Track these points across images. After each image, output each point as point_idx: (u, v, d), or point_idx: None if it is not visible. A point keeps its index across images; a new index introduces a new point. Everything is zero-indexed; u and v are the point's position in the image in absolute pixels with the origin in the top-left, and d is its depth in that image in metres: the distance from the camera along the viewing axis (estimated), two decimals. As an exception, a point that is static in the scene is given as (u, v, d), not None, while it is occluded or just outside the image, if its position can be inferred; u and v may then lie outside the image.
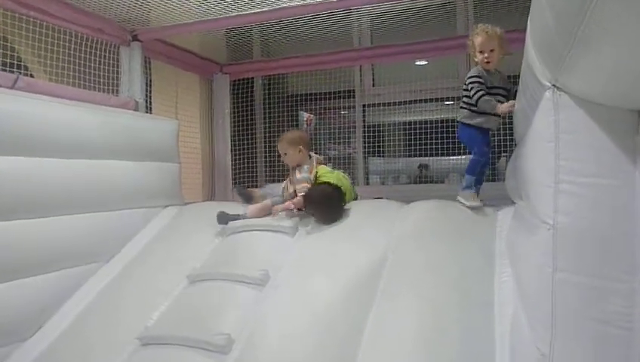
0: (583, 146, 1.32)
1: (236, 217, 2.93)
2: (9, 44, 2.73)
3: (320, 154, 4.91)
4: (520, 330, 1.68)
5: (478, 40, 2.71)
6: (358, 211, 2.81)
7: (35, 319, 2.48)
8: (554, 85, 1.35)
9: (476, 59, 2.74)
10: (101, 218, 2.86)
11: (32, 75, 3.00)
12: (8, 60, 2.69)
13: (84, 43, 3.13)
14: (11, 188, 2.37)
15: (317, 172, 2.97)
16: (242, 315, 2.27)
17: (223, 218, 2.93)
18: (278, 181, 4.67)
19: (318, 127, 5.16)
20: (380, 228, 2.61)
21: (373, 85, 4.63)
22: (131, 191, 3.11)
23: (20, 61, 2.91)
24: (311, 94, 4.73)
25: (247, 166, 4.74)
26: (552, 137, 1.37)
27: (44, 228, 2.53)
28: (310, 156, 3.06)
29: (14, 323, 2.37)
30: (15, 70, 2.69)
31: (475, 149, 2.74)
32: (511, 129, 2.76)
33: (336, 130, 4.89)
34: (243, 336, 2.14)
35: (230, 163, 4.66)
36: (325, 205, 2.77)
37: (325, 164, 3.13)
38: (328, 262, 2.45)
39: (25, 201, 2.44)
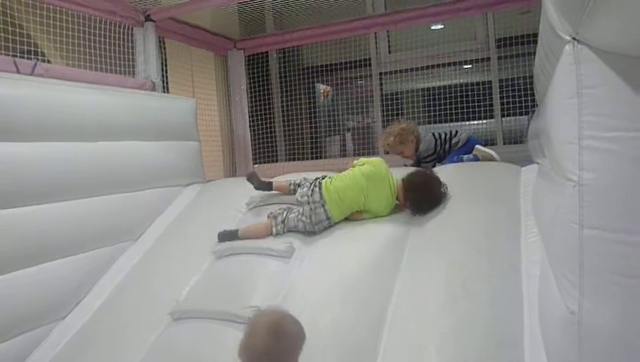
0: (606, 100, 1.28)
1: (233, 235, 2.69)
2: (25, 31, 2.75)
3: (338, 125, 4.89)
4: (548, 290, 1.67)
5: None
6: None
7: (72, 298, 2.57)
8: (574, 38, 1.31)
9: None
10: (126, 198, 2.92)
11: (49, 61, 3.03)
12: (25, 47, 2.71)
13: (98, 26, 3.13)
14: (38, 173, 2.42)
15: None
16: (270, 287, 2.31)
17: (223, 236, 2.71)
18: (299, 157, 4.67)
19: (335, 98, 5.13)
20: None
21: (390, 52, 4.56)
22: (154, 171, 3.16)
23: (37, 47, 2.94)
24: (326, 65, 4.68)
25: (267, 141, 4.75)
26: (574, 93, 1.34)
27: (72, 210, 2.59)
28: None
29: (52, 303, 2.47)
30: (32, 57, 2.72)
31: None
32: (532, 90, 2.72)
33: (354, 101, 4.85)
34: (271, 308, 2.18)
35: (250, 139, 4.67)
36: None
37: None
38: (353, 229, 2.46)
39: (52, 185, 2.50)
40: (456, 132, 3.27)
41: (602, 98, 1.30)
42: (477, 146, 3.08)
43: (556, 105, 1.56)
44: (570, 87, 1.35)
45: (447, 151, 3.23)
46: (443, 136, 3.24)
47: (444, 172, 2.77)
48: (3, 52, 2.59)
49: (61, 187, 2.53)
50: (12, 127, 2.32)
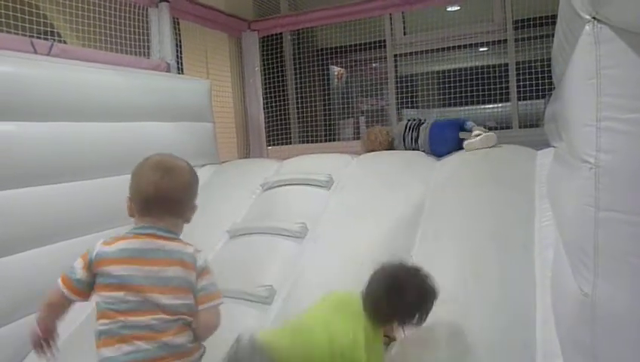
0: (625, 81, 1.26)
1: None
2: (41, 12, 2.77)
3: (352, 108, 4.84)
4: (561, 272, 1.67)
5: None
6: (394, 160, 2.80)
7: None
8: (594, 18, 1.29)
9: None
10: (142, 179, 2.93)
11: (65, 42, 3.05)
12: (42, 28, 2.73)
13: (113, 7, 3.14)
14: (53, 153, 2.45)
15: None
16: (283, 267, 2.33)
17: None
18: (312, 139, 4.66)
19: (349, 80, 5.11)
20: (417, 176, 2.60)
21: (405, 34, 4.52)
22: (169, 152, 3.15)
23: (53, 28, 2.96)
24: (341, 47, 4.65)
25: (281, 123, 4.75)
26: (593, 74, 1.32)
27: (86, 190, 2.61)
28: None
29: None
30: (49, 37, 2.74)
31: None
32: (549, 73, 2.69)
33: (368, 83, 4.83)
34: (285, 287, 2.20)
35: (263, 120, 4.68)
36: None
37: None
38: (365, 211, 2.46)
39: (66, 165, 2.52)
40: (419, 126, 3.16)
41: (621, 79, 1.28)
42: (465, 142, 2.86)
43: (574, 87, 1.54)
44: (590, 68, 1.33)
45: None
46: (410, 138, 3.17)
47: (457, 158, 2.75)
48: (20, 32, 2.61)
49: (75, 167, 2.56)
50: (28, 107, 2.33)
